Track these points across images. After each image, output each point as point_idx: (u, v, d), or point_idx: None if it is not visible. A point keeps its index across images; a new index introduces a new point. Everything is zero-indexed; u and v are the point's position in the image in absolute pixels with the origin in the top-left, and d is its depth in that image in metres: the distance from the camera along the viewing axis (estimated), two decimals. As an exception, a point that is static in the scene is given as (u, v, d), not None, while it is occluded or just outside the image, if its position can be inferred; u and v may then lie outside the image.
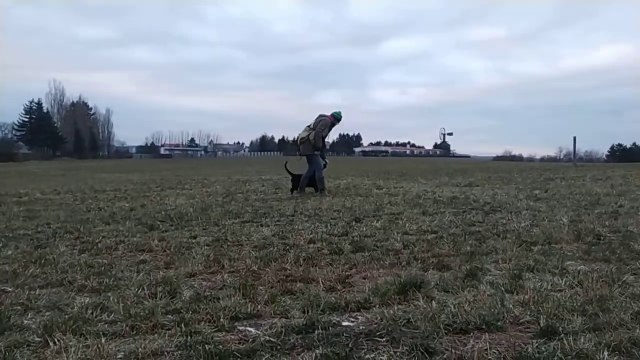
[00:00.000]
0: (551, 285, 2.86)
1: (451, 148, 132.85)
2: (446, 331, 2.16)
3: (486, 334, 2.13)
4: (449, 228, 5.03)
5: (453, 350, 1.96)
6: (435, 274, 3.22)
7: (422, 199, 8.05)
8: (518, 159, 72.87)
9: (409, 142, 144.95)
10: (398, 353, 1.97)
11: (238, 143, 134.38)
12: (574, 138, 23.39)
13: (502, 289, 2.80)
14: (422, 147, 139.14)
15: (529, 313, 2.37)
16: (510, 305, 2.47)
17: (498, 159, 73.00)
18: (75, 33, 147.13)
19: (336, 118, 9.20)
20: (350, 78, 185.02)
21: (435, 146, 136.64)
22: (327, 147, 9.71)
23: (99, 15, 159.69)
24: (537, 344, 2.02)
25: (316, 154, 9.08)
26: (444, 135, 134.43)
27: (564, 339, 2.04)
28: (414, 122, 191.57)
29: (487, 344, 2.01)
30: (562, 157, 68.05)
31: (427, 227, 5.13)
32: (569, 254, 3.74)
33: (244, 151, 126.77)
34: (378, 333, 2.16)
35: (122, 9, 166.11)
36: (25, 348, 2.07)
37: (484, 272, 3.23)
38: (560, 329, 2.16)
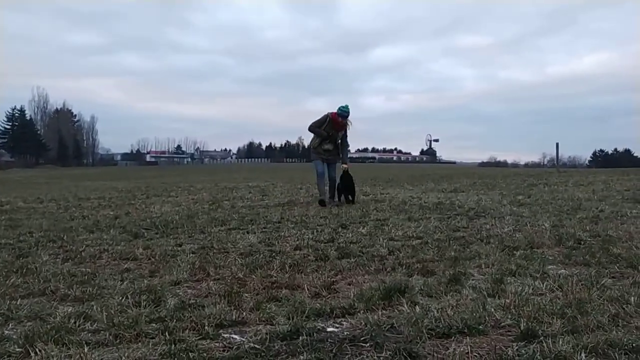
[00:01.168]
0: (532, 289, 2.91)
1: (437, 154, 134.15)
2: (429, 335, 2.19)
3: (468, 337, 2.16)
4: (434, 233, 5.09)
5: (435, 354, 1.99)
6: (420, 279, 3.26)
7: (408, 204, 8.12)
8: (503, 164, 73.85)
9: (395, 149, 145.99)
10: (382, 358, 1.99)
11: (225, 150, 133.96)
12: (557, 144, 23.74)
13: (485, 293, 2.85)
14: (409, 154, 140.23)
15: (509, 317, 2.42)
16: (492, 309, 2.51)
17: (483, 165, 73.93)
18: (62, 40, 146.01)
19: (340, 114, 7.98)
20: (339, 85, 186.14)
21: (422, 152, 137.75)
22: (346, 149, 8.49)
23: (87, 22, 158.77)
24: (517, 347, 2.06)
25: (313, 159, 8.46)
26: (431, 141, 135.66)
27: (543, 341, 2.08)
28: (400, 129, 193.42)
29: (469, 347, 2.04)
30: (545, 162, 69.18)
31: (412, 232, 5.18)
32: (550, 258, 3.81)
33: (231, 158, 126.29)
34: (362, 338, 2.18)
35: (111, 15, 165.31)
36: (5, 359, 2.04)
37: (467, 276, 3.27)
38: (540, 332, 2.20)
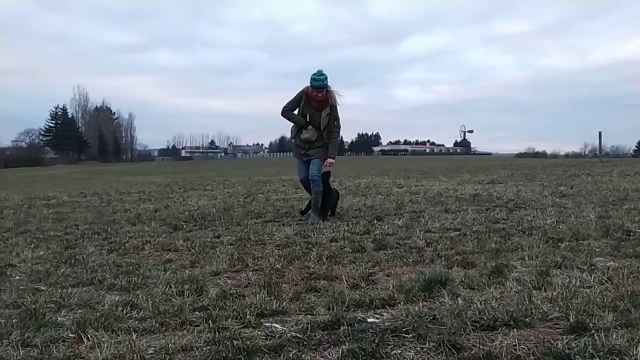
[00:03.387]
0: (580, 281, 2.80)
1: (472, 146, 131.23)
2: (473, 327, 2.14)
3: (514, 330, 2.10)
4: (473, 225, 4.98)
5: (481, 347, 1.94)
6: (460, 271, 3.19)
7: (444, 196, 7.98)
8: (542, 155, 71.27)
9: (428, 141, 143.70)
10: (425, 349, 1.96)
11: (257, 144, 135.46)
12: (600, 133, 22.77)
13: (529, 285, 2.76)
14: (442, 146, 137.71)
15: (557, 309, 2.33)
16: (538, 302, 2.43)
17: (521, 155, 71.63)
18: (100, 38, 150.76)
19: (314, 86, 5.48)
20: (371, 77, 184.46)
21: (456, 144, 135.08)
22: (334, 137, 5.76)
23: (123, 21, 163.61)
24: (567, 340, 1.98)
25: (296, 159, 5.99)
26: (465, 132, 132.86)
27: (595, 335, 2.00)
28: (433, 120, 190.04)
29: (516, 339, 1.98)
30: (587, 153, 66.28)
31: (449, 224, 5.09)
32: (597, 250, 3.66)
33: (263, 152, 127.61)
34: (404, 329, 2.15)
35: (147, 13, 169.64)
36: (60, 343, 2.14)
37: (509, 269, 3.18)
38: (591, 325, 2.12)
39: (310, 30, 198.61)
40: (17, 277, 3.40)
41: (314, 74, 5.51)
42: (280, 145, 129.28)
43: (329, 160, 5.77)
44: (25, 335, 2.20)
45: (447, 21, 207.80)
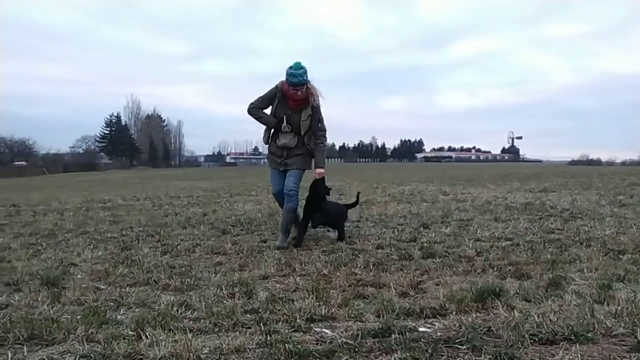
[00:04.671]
0: (646, 296, 2.63)
1: (521, 152, 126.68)
2: (531, 341, 2.06)
3: (576, 345, 2.00)
4: (525, 235, 4.79)
5: (541, 361, 1.87)
6: (514, 282, 3.08)
7: (493, 204, 7.74)
8: (596, 163, 67.59)
9: (474, 147, 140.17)
10: (480, 361, 1.91)
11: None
12: (663, 139, 21.34)
13: (590, 299, 2.63)
14: (489, 152, 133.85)
15: (622, 325, 2.21)
16: (601, 317, 2.31)
17: (573, 163, 68.25)
18: (153, 49, 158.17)
19: (290, 82, 4.45)
20: (416, 82, 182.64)
21: (503, 151, 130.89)
22: (320, 143, 4.74)
23: (175, 32, 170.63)
24: (635, 358, 1.87)
25: (270, 167, 4.95)
26: (513, 139, 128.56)
27: (667, 354, 1.87)
28: (480, 126, 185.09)
29: (579, 355, 1.89)
30: (647, 160, 62.27)
31: (500, 233, 4.92)
32: (664, 264, 3.43)
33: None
34: (458, 340, 2.10)
35: (197, 24, 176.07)
36: (121, 340, 2.23)
37: (567, 281, 3.04)
38: (661, 343, 1.99)
39: (356, 36, 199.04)
40: (79, 276, 3.59)
41: (291, 68, 4.41)
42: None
43: (318, 170, 4.73)
44: (89, 331, 2.33)
45: (497, 24, 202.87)
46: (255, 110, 4.66)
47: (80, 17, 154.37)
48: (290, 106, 4.60)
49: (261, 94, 4.66)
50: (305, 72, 4.43)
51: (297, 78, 4.39)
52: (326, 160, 4.93)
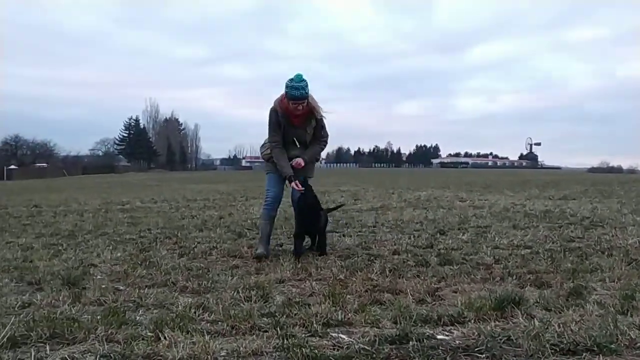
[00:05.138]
0: (672, 308, 2.57)
1: (539, 159, 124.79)
2: (552, 351, 2.02)
3: (599, 356, 1.96)
4: (545, 243, 4.72)
5: (562, 372, 1.83)
6: (534, 291, 3.03)
7: (511, 211, 7.64)
8: (617, 170, 66.14)
9: (491, 153, 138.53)
10: (500, 370, 1.88)
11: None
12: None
13: (613, 309, 2.57)
14: (506, 158, 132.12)
15: (647, 337, 2.15)
16: (625, 328, 2.25)
17: (593, 170, 66.94)
18: (171, 53, 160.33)
19: (291, 96, 4.18)
20: (433, 87, 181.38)
21: (521, 157, 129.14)
22: (316, 144, 4.55)
23: (193, 36, 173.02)
24: (661, 372, 1.82)
25: (266, 171, 4.68)
26: (531, 145, 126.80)
27: (695, 368, 1.82)
28: (497, 132, 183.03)
29: (602, 367, 1.85)
30: (671, 168, 60.70)
31: (519, 241, 4.85)
32: (691, 275, 3.34)
33: (320, 163, 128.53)
34: (477, 349, 2.07)
35: (215, 28, 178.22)
36: (140, 341, 2.26)
37: (589, 291, 2.98)
38: (689, 357, 1.93)
39: (373, 40, 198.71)
40: (99, 277, 3.65)
41: (292, 80, 4.16)
42: (337, 156, 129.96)
43: (298, 160, 4.37)
44: (109, 331, 2.36)
45: (517, 28, 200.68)
46: (280, 151, 4.38)
47: (102, 21, 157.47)
48: (294, 124, 4.37)
49: (269, 127, 4.40)
50: (307, 84, 4.19)
51: (299, 91, 4.14)
52: (340, 165, 4.82)
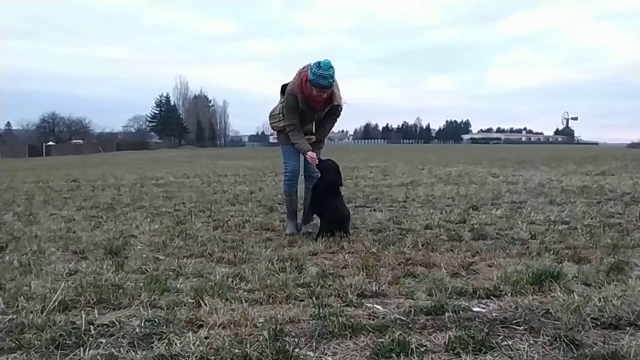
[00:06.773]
0: None
1: (576, 134, 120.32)
2: (593, 325, 1.99)
3: (643, 331, 1.92)
4: (583, 219, 4.59)
5: (605, 345, 1.80)
6: (572, 266, 2.97)
7: (547, 187, 7.44)
8: (659, 145, 63.03)
9: (524, 129, 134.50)
10: (539, 342, 1.87)
11: (342, 131, 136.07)
12: None
13: (657, 285, 2.49)
14: (541, 134, 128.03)
15: (694, 313, 2.08)
16: (670, 304, 2.19)
17: (634, 146, 64.05)
18: (200, 29, 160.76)
19: (314, 83, 3.89)
20: (465, 60, 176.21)
21: (557, 132, 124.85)
22: (328, 125, 4.44)
23: (221, 12, 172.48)
24: None
25: (281, 143, 4.48)
26: (568, 120, 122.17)
27: None
28: (532, 106, 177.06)
29: (646, 342, 1.81)
30: None
31: (556, 217, 4.74)
32: None
33: (348, 139, 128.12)
34: (514, 321, 2.06)
35: (244, 4, 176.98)
36: (182, 307, 2.35)
37: (630, 266, 2.90)
38: None
39: (403, 12, 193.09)
40: (139, 247, 3.79)
41: (319, 67, 3.84)
42: (366, 132, 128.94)
43: (310, 136, 4.34)
44: (152, 298, 2.46)
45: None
46: (297, 132, 4.21)
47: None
48: (314, 107, 4.16)
49: (286, 110, 4.19)
50: (334, 72, 3.92)
51: (327, 80, 3.86)
52: (368, 141, 4.57)
